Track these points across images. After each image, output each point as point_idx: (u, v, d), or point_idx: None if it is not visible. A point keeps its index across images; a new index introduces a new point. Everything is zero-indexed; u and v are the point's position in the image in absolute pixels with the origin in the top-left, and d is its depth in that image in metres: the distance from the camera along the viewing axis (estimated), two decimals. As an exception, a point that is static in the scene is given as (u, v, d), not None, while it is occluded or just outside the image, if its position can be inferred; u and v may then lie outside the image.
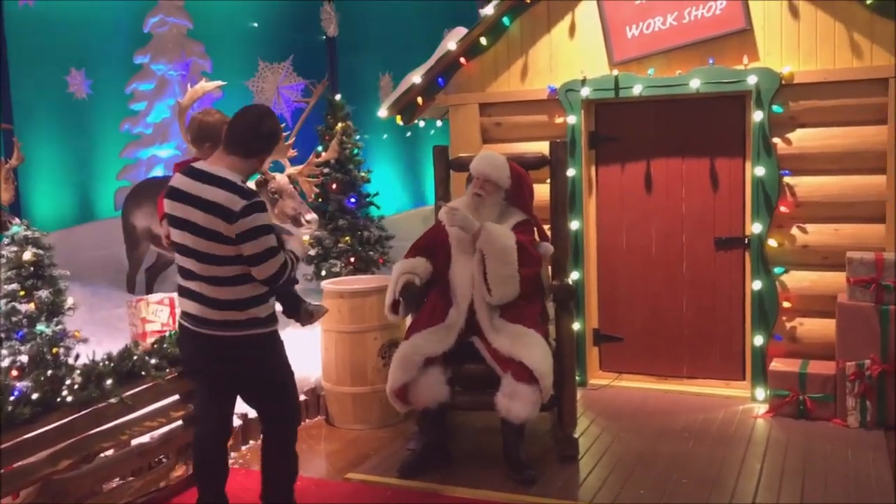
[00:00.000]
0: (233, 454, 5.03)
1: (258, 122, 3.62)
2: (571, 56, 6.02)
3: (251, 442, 5.22)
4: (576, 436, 4.95)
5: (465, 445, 5.10)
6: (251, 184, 3.94)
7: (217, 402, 3.88)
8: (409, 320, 5.00)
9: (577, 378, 5.02)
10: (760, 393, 5.67)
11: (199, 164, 3.65)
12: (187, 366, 3.98)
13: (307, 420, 5.65)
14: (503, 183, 4.78)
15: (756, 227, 5.63)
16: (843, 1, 5.31)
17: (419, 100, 6.40)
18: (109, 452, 4.20)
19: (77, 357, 4.31)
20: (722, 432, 5.18)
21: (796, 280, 5.62)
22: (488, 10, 6.09)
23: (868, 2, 5.21)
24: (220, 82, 6.41)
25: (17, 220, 4.91)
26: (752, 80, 5.49)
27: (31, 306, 4.67)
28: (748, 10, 5.49)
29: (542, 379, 4.40)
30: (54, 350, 4.63)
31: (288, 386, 3.89)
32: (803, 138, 5.52)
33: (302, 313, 4.25)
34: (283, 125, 3.88)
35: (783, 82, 5.45)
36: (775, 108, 5.50)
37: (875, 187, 5.37)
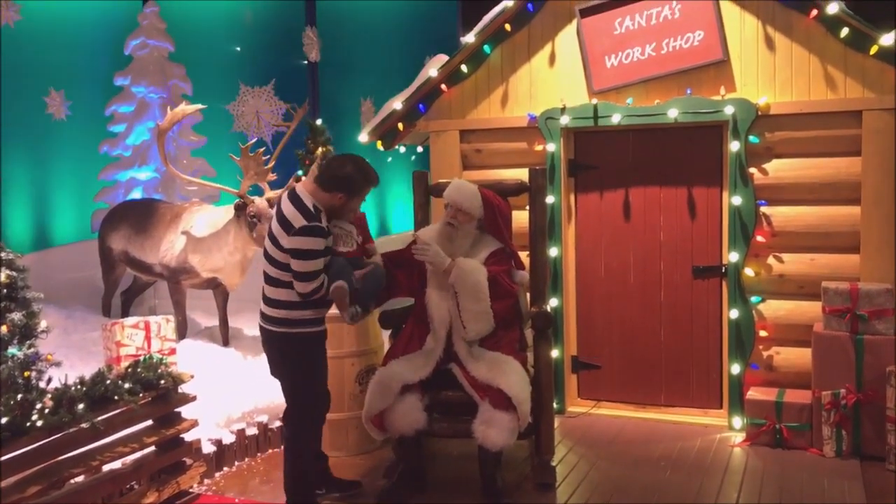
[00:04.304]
0: (206, 481, 4.97)
1: (342, 165, 4.25)
2: (551, 84, 6.07)
3: (225, 469, 5.16)
4: (553, 463, 4.94)
5: (442, 472, 5.06)
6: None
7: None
8: (386, 347, 4.97)
9: (554, 405, 5.01)
10: (737, 421, 5.69)
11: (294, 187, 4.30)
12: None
13: (282, 447, 5.56)
14: (475, 212, 4.78)
15: (733, 256, 5.67)
16: (818, 34, 5.41)
17: (400, 125, 6.42)
18: (80, 478, 4.13)
19: (49, 381, 4.25)
20: (699, 461, 5.18)
21: (773, 309, 5.66)
22: (469, 38, 6.14)
23: (841, 35, 5.31)
24: (199, 105, 6.40)
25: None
26: (728, 110, 5.56)
27: (4, 329, 4.58)
28: (725, 41, 5.57)
29: (520, 406, 4.39)
30: (26, 373, 4.54)
31: (301, 388, 4.32)
32: (779, 168, 5.59)
33: (352, 312, 4.38)
34: (368, 177, 4.33)
35: (759, 113, 5.52)
36: (752, 138, 5.57)
37: (850, 218, 5.43)
